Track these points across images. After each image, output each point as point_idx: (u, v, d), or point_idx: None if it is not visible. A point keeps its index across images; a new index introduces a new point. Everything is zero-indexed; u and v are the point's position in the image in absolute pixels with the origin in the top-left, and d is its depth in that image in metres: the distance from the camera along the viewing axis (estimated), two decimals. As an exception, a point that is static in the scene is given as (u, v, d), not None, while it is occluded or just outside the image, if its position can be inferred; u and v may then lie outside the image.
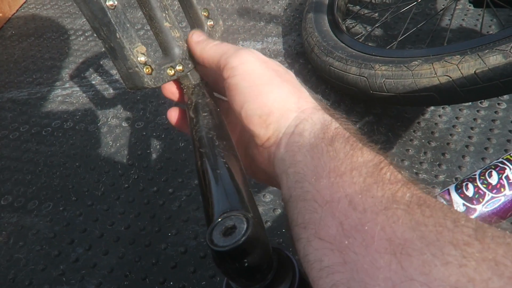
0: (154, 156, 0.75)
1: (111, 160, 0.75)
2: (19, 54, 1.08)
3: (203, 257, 0.59)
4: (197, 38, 0.35)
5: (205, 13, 0.37)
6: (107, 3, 0.31)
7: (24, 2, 1.28)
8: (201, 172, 0.33)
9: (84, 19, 1.16)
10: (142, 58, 0.33)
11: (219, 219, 0.25)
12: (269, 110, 0.30)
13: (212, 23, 0.37)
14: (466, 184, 0.33)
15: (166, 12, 0.36)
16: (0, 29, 1.18)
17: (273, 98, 0.30)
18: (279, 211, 0.63)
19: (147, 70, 0.34)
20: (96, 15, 0.31)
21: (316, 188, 0.24)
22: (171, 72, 0.37)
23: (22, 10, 1.25)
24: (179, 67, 0.37)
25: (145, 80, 0.34)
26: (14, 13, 1.24)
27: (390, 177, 0.22)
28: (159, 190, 0.69)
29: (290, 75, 0.32)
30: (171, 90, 0.39)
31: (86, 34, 1.10)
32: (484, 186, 0.32)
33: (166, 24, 0.36)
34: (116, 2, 0.32)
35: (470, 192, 0.32)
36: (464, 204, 0.31)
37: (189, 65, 0.38)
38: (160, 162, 0.73)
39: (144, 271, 0.59)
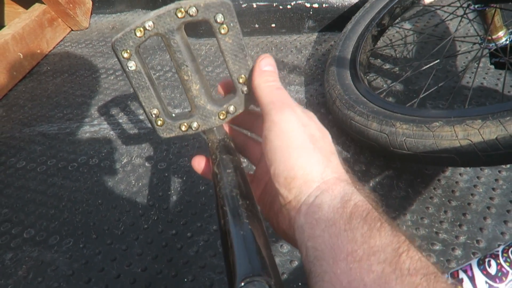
0: (174, 198, 0.76)
1: (132, 199, 0.77)
2: (52, 89, 1.13)
3: (218, 306, 0.59)
4: (263, 65, 0.36)
5: (241, 80, 0.38)
6: (128, 65, 0.36)
7: (61, 40, 1.36)
8: (224, 231, 0.34)
9: (116, 59, 1.22)
10: (155, 112, 0.38)
11: (242, 283, 0.26)
12: (294, 174, 0.31)
13: (247, 89, 0.38)
14: (489, 261, 0.33)
15: (194, 74, 0.38)
16: (37, 64, 1.25)
17: (300, 163, 0.31)
18: (296, 263, 0.63)
19: (159, 122, 0.39)
20: (123, 71, 0.37)
21: (334, 271, 0.24)
22: (184, 128, 0.40)
23: (59, 48, 1.33)
24: (194, 124, 0.40)
25: (156, 130, 0.39)
26: (51, 50, 1.31)
27: (410, 266, 0.22)
28: (178, 233, 0.70)
29: (325, 142, 0.33)
30: (199, 162, 0.41)
31: (117, 74, 1.15)
32: (507, 264, 0.32)
33: (192, 85, 0.38)
34: (135, 67, 0.36)
35: (492, 269, 0.32)
36: (486, 282, 0.31)
37: (209, 124, 0.40)
38: (180, 204, 0.75)
39: (158, 316, 0.59)
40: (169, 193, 0.77)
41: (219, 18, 0.36)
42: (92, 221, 0.74)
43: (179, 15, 0.36)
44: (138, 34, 0.35)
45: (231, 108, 0.40)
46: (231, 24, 0.36)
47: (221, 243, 0.34)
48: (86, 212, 0.76)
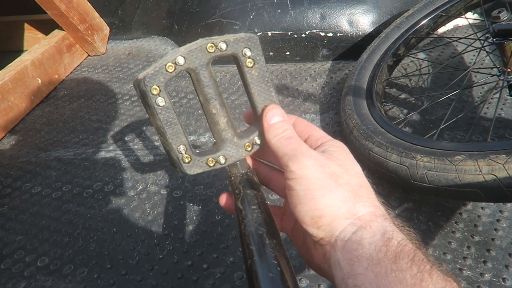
0: (190, 227, 0.75)
1: (147, 228, 0.76)
2: (68, 114, 1.14)
3: None
4: (270, 119, 0.37)
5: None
6: (157, 101, 0.35)
7: (78, 65, 1.38)
8: (252, 273, 0.33)
9: (131, 85, 1.23)
10: (182, 149, 0.37)
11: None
12: (320, 213, 0.31)
13: None
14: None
15: (220, 107, 0.38)
16: (54, 89, 1.27)
17: (325, 203, 0.31)
18: (315, 299, 0.61)
19: (186, 159, 0.38)
20: (148, 109, 0.36)
21: None
22: (211, 163, 0.39)
23: (76, 73, 1.35)
24: (221, 159, 0.39)
25: (181, 167, 0.38)
26: (68, 75, 1.34)
27: None
28: (193, 265, 0.68)
29: (350, 176, 0.32)
30: (228, 202, 0.41)
31: (132, 99, 1.16)
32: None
33: (219, 119, 0.38)
34: (164, 103, 0.36)
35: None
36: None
37: (236, 157, 0.40)
38: (196, 234, 0.74)
39: None
40: (185, 222, 0.76)
41: (247, 52, 0.38)
42: (107, 250, 0.73)
43: (210, 50, 0.37)
44: (170, 69, 0.35)
45: (257, 139, 0.40)
46: (257, 58, 0.38)
47: (248, 285, 0.33)
48: (100, 241, 0.75)
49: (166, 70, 0.35)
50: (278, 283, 0.32)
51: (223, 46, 0.37)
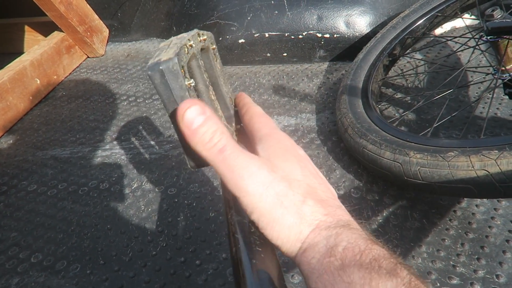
0: (183, 224, 0.75)
1: (141, 225, 0.76)
2: (66, 114, 1.15)
3: (226, 339, 0.57)
4: (189, 123, 0.29)
5: (230, 101, 0.41)
6: (186, 83, 0.31)
7: (77, 67, 1.39)
8: (236, 260, 0.33)
9: (130, 85, 1.24)
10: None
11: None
12: (276, 244, 0.31)
13: (235, 108, 0.41)
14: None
15: (213, 95, 0.39)
16: (53, 89, 1.28)
17: (276, 235, 0.30)
18: (307, 295, 0.61)
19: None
20: (174, 94, 0.31)
21: None
22: None
23: (75, 74, 1.36)
24: None
25: None
26: (67, 76, 1.34)
27: None
28: (186, 261, 0.68)
29: (293, 190, 0.30)
30: None
31: (130, 99, 1.17)
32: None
33: (216, 105, 0.39)
34: (193, 82, 0.32)
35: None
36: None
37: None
38: (189, 231, 0.73)
39: None
40: (179, 219, 0.76)
41: (214, 46, 0.40)
42: (100, 247, 0.73)
43: (199, 39, 0.38)
44: (186, 52, 0.34)
45: (236, 126, 0.41)
46: (217, 53, 0.41)
47: (232, 272, 0.33)
48: (94, 237, 0.75)
49: (185, 52, 0.33)
50: (262, 269, 0.32)
51: (204, 37, 0.39)
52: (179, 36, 0.37)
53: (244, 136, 0.39)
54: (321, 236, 0.28)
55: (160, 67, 0.31)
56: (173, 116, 0.33)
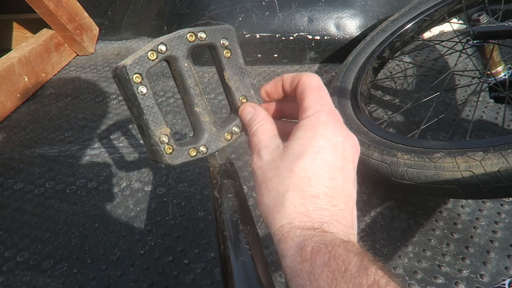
0: (172, 223, 0.75)
1: (129, 224, 0.76)
2: (55, 112, 1.14)
3: (214, 338, 0.57)
4: (245, 118, 0.39)
5: (243, 99, 0.40)
6: (139, 90, 0.34)
7: (66, 65, 1.38)
8: (224, 257, 0.34)
9: (119, 84, 1.23)
10: (164, 139, 0.36)
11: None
12: (261, 210, 0.34)
13: None
14: (496, 294, 0.32)
15: (200, 98, 0.39)
16: (41, 87, 1.26)
17: (261, 206, 0.33)
18: (295, 294, 0.61)
19: (168, 149, 0.37)
20: (129, 98, 0.35)
21: None
22: (193, 153, 0.39)
23: (63, 72, 1.35)
24: (203, 148, 0.39)
25: (164, 158, 0.37)
26: (56, 74, 1.33)
27: None
28: (175, 260, 0.68)
29: (279, 179, 0.32)
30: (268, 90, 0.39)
31: (119, 99, 1.16)
32: (515, 298, 0.31)
33: (197, 109, 0.39)
34: (146, 91, 0.35)
35: (500, 303, 0.31)
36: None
37: (216, 146, 0.40)
38: (178, 230, 0.73)
39: None
40: (167, 218, 0.76)
41: (225, 42, 0.38)
42: (88, 246, 0.72)
43: (190, 39, 0.37)
44: (152, 57, 0.35)
45: (236, 129, 0.40)
46: (234, 48, 0.39)
47: (220, 269, 0.33)
48: (82, 236, 0.74)
49: (148, 58, 0.35)
50: (249, 266, 0.32)
51: (202, 35, 0.38)
52: (167, 35, 0.37)
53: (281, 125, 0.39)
54: (293, 232, 0.29)
55: (117, 72, 0.35)
56: (132, 114, 0.36)
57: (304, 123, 0.32)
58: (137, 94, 0.34)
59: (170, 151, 0.37)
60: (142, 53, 0.35)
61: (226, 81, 0.39)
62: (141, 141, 0.97)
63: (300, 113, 0.33)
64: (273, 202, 0.31)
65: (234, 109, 0.41)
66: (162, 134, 0.36)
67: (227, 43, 0.39)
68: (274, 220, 0.30)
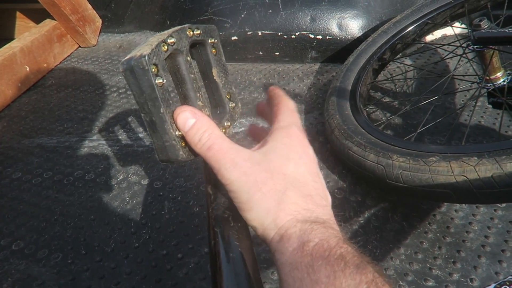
0: (167, 217, 0.75)
1: (125, 217, 0.76)
2: (55, 103, 1.14)
3: (204, 332, 0.58)
4: (183, 126, 0.35)
5: (228, 96, 0.41)
6: (156, 81, 0.33)
7: (68, 56, 1.38)
8: (214, 253, 0.34)
9: (120, 77, 1.23)
10: (179, 132, 0.35)
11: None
12: (252, 225, 0.33)
13: (233, 104, 0.42)
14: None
15: (201, 92, 0.39)
16: (42, 78, 1.26)
17: (253, 216, 0.32)
18: (286, 291, 0.62)
19: (183, 143, 0.35)
20: (144, 91, 0.33)
21: None
22: None
23: (65, 63, 1.35)
24: None
25: (180, 153, 0.35)
26: (57, 64, 1.33)
27: None
28: (168, 254, 0.69)
29: (275, 180, 0.31)
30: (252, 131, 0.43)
31: (120, 91, 1.16)
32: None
33: (200, 103, 0.39)
34: (164, 81, 0.33)
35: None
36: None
37: None
38: (173, 225, 0.74)
39: None
40: (163, 212, 0.77)
41: (212, 40, 0.40)
42: (83, 237, 0.73)
43: (189, 34, 0.38)
44: (164, 49, 0.34)
45: (227, 123, 0.41)
46: (218, 47, 0.41)
47: (210, 265, 0.34)
48: (77, 227, 0.75)
49: (162, 50, 0.34)
50: (238, 263, 0.33)
51: (197, 32, 0.39)
52: (170, 30, 0.38)
53: (257, 128, 0.43)
54: (296, 228, 0.29)
55: (131, 64, 0.32)
56: (143, 111, 0.34)
57: (280, 131, 0.35)
58: (155, 86, 0.33)
59: (185, 144, 0.35)
60: (156, 44, 0.33)
61: (215, 77, 0.40)
62: (140, 135, 0.97)
63: (276, 121, 0.36)
64: (273, 203, 0.31)
65: (222, 105, 0.42)
66: (177, 128, 0.35)
67: (214, 41, 0.40)
68: (276, 219, 0.30)
